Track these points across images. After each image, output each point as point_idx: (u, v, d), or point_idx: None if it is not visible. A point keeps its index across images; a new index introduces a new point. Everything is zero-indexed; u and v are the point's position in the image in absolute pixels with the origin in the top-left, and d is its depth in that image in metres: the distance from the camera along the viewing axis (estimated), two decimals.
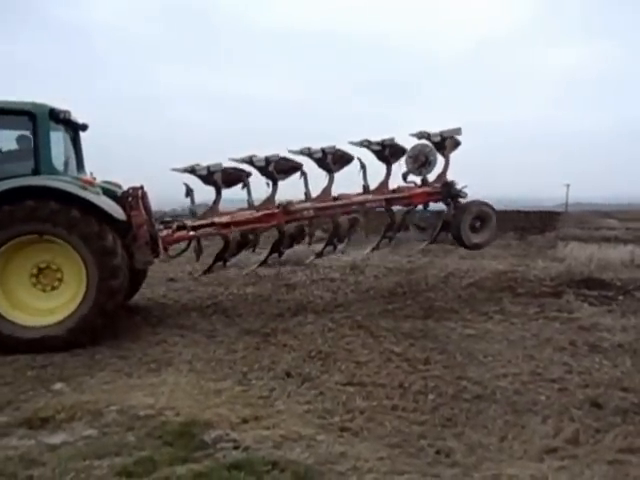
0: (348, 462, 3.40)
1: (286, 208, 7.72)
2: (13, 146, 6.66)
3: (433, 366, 5.24)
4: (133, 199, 6.74)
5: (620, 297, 8.01)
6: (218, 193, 7.62)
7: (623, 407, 4.22)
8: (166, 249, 7.18)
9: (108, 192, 6.83)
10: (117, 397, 4.40)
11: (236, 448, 3.54)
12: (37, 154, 6.26)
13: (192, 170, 7.40)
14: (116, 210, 6.44)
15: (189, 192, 7.42)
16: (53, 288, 6.20)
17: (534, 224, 22.42)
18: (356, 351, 5.71)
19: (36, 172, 6.26)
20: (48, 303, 6.16)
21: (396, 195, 8.41)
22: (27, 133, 6.41)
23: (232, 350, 5.80)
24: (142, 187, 6.91)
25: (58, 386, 4.76)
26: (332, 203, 8.07)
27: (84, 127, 7.29)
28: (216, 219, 7.56)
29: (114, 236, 6.18)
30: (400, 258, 10.36)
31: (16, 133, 6.59)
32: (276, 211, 7.72)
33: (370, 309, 7.56)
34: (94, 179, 7.06)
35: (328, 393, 4.60)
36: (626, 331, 6.33)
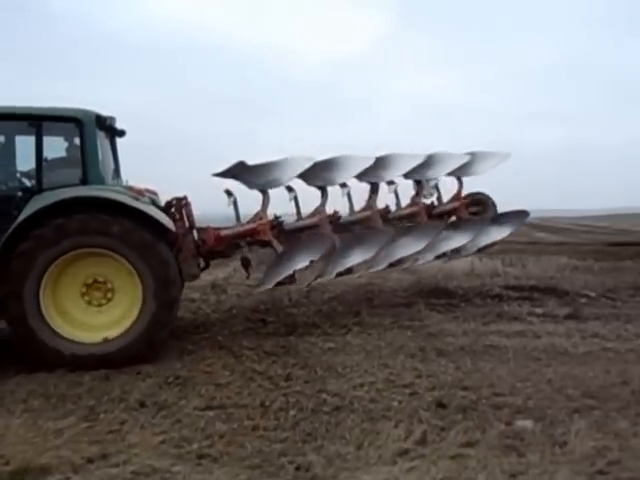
0: None
1: None
2: (59, 154, 6.23)
3: (294, 382, 5.26)
4: (177, 210, 6.55)
5: (462, 304, 8.73)
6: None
7: (463, 405, 4.56)
8: None
9: (153, 202, 6.49)
10: None
11: None
12: (85, 163, 5.89)
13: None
14: (168, 222, 6.17)
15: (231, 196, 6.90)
16: (107, 301, 5.99)
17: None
18: (217, 373, 5.56)
19: (84, 181, 5.95)
20: (104, 317, 5.98)
21: None
22: (74, 140, 6.05)
23: (77, 383, 5.27)
24: (186, 197, 6.69)
25: None
26: None
27: (122, 133, 6.85)
28: None
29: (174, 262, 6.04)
30: (261, 275, 10.33)
31: (62, 140, 6.20)
32: None
33: (232, 328, 7.42)
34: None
35: (185, 420, 4.39)
36: (467, 335, 6.91)
